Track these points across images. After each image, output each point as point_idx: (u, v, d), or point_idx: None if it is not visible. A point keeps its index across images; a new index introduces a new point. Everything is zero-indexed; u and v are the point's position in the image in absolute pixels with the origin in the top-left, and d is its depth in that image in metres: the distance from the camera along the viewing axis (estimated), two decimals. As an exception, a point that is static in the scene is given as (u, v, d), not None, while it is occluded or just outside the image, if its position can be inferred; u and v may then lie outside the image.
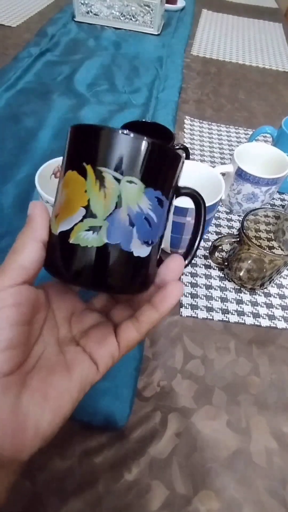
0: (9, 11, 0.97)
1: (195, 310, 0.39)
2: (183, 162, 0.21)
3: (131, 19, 0.94)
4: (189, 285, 0.41)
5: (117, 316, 0.23)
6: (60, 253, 0.19)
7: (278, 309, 0.40)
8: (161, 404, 0.32)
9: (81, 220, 0.18)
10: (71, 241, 0.18)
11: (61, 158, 0.35)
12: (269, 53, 0.97)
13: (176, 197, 0.22)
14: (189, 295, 0.40)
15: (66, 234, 0.19)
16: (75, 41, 0.87)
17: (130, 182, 0.18)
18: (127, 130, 0.18)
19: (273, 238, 0.48)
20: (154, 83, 0.76)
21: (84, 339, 0.21)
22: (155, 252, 0.21)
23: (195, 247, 0.25)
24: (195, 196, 0.23)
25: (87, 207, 0.18)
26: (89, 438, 0.29)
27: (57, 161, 0.36)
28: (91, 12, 0.94)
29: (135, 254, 0.19)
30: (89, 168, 0.18)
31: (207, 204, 0.35)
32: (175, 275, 0.22)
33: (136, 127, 0.46)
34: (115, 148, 0.18)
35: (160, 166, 0.19)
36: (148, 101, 0.70)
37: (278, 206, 0.53)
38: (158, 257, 0.22)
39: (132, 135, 0.18)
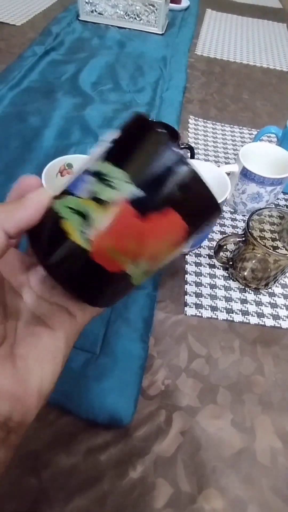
0: (13, 10, 0.97)
1: (199, 309, 0.39)
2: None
3: (135, 18, 0.95)
4: (194, 284, 0.41)
5: None
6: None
7: (283, 309, 0.40)
8: (165, 403, 0.32)
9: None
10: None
11: (66, 156, 0.35)
12: (273, 53, 0.97)
13: None
14: (194, 294, 0.40)
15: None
16: (80, 40, 0.87)
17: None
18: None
19: (277, 238, 0.48)
20: (159, 82, 0.76)
21: (55, 296, 0.20)
22: None
23: None
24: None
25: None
26: (94, 436, 0.29)
27: (63, 160, 0.36)
28: (95, 11, 0.94)
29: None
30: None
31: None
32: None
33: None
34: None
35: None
36: (152, 100, 0.70)
37: (282, 206, 0.53)
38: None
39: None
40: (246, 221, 0.38)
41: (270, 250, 0.36)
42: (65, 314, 0.20)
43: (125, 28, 0.95)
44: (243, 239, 0.38)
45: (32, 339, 0.19)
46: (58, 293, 0.21)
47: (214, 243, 0.46)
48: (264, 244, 0.48)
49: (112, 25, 0.95)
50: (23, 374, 0.17)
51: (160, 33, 0.95)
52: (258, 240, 0.46)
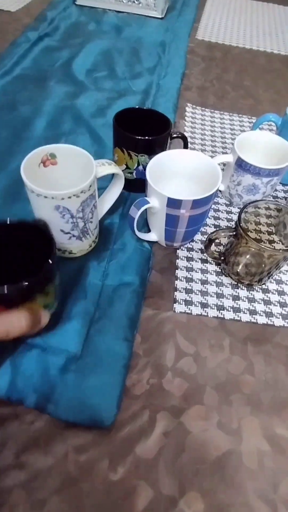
0: (8, -5, 0.94)
1: (189, 306, 0.38)
2: None
3: (134, 1, 0.91)
4: (184, 279, 0.40)
5: None
6: None
7: (276, 306, 0.39)
8: (150, 403, 0.31)
9: None
10: None
11: (48, 146, 0.33)
12: (278, 37, 0.93)
13: None
14: (184, 290, 0.39)
15: None
16: (75, 25, 0.84)
17: None
18: None
19: (274, 231, 0.46)
20: (156, 69, 0.73)
21: None
22: None
23: None
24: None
25: None
26: (75, 436, 0.29)
27: (45, 150, 0.34)
28: (92, -6, 0.91)
29: None
30: None
31: (201, 196, 0.34)
32: None
33: (131, 114, 0.44)
34: None
35: None
36: (148, 87, 0.67)
37: (281, 198, 0.51)
38: None
39: None
40: (238, 214, 0.36)
41: (263, 245, 0.34)
42: None
43: (123, 12, 0.92)
44: (235, 233, 0.36)
45: None
46: None
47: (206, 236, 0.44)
48: (259, 237, 0.46)
49: (109, 9, 0.92)
50: None
51: (160, 17, 0.92)
52: (253, 233, 0.45)
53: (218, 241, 0.45)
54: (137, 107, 0.44)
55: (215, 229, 0.46)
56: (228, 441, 0.30)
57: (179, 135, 0.45)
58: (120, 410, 0.30)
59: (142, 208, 0.35)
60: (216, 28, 0.93)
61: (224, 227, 0.47)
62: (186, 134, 0.59)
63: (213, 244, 0.44)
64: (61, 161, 0.36)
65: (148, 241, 0.41)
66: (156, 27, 0.88)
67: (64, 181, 0.35)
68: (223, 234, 0.37)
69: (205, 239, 0.44)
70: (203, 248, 0.43)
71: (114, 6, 0.92)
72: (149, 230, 0.42)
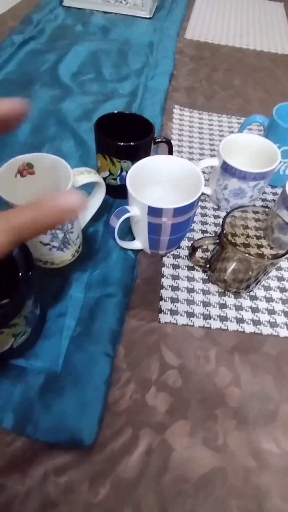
0: (-6, -3, 0.92)
1: (174, 316, 0.37)
2: None
3: (121, 1, 0.90)
4: (170, 288, 0.39)
5: None
6: None
7: (264, 313, 0.38)
8: (132, 419, 0.30)
9: None
10: None
11: (25, 155, 0.32)
12: (268, 35, 0.92)
13: None
14: (169, 300, 0.38)
15: None
16: (62, 28, 0.83)
17: None
18: None
19: (262, 235, 0.45)
20: (144, 70, 0.72)
21: None
22: None
23: None
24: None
25: None
26: (54, 457, 0.28)
27: (21, 159, 0.33)
28: (79, -5, 0.90)
29: None
30: None
31: (181, 204, 0.33)
32: None
33: (114, 119, 0.43)
34: None
35: None
36: (136, 89, 0.66)
37: (270, 201, 0.50)
38: None
39: None
40: (222, 221, 0.35)
41: (247, 253, 0.33)
42: None
43: (111, 13, 0.90)
44: (218, 241, 0.35)
45: None
46: None
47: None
48: (247, 242, 0.45)
49: (97, 10, 0.91)
50: None
51: (148, 16, 0.90)
52: (240, 238, 0.44)
53: (205, 247, 0.44)
54: (117, 111, 0.43)
55: (201, 236, 0.45)
56: (213, 458, 0.29)
57: (163, 140, 0.44)
58: (101, 428, 0.29)
59: (122, 218, 0.34)
60: (206, 27, 0.92)
61: (212, 232, 0.46)
62: (174, 137, 0.58)
63: (200, 250, 0.44)
64: (38, 170, 0.35)
65: (132, 250, 0.40)
66: (144, 27, 0.87)
67: (42, 191, 0.34)
68: (207, 242, 0.36)
69: (189, 247, 0.43)
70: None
71: (101, 7, 0.91)
72: (133, 238, 0.41)
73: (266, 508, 0.27)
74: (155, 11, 0.93)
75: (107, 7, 0.91)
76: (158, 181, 0.40)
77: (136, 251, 0.41)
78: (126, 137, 0.40)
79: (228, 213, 0.35)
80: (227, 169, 0.42)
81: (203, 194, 0.49)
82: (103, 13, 0.90)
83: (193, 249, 0.36)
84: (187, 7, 0.98)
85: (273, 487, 0.28)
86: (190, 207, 0.34)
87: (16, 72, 0.66)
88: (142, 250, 0.41)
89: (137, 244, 0.40)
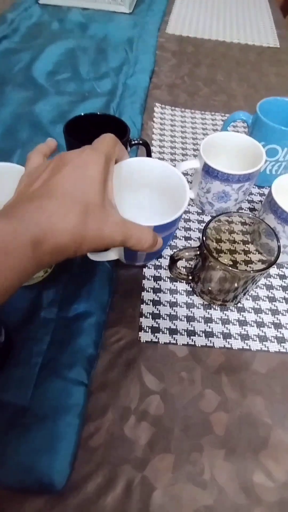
0: None
1: (156, 334, 0.34)
2: None
3: (99, -3, 0.86)
4: (151, 303, 0.36)
5: None
6: None
7: (253, 326, 0.35)
8: (109, 455, 0.27)
9: None
10: None
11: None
12: (252, 27, 0.89)
13: None
14: (150, 316, 0.35)
15: None
16: (37, 25, 0.79)
17: None
18: None
19: (249, 240, 0.42)
20: (123, 67, 0.68)
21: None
22: None
23: None
24: None
25: None
26: (22, 505, 0.25)
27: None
28: (55, -9, 0.86)
29: None
30: None
31: (164, 222, 0.29)
32: None
33: (86, 121, 0.40)
34: None
35: None
36: (114, 88, 0.63)
37: (257, 202, 0.48)
38: None
39: None
40: (202, 231, 0.32)
41: (229, 267, 0.30)
42: None
43: (89, 9, 0.87)
44: (198, 252, 0.32)
45: None
46: None
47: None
48: (234, 248, 0.42)
49: (74, 7, 0.87)
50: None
51: (128, 12, 0.87)
52: (225, 243, 0.41)
53: (187, 258, 0.41)
54: (88, 113, 0.40)
55: (183, 244, 0.42)
56: (199, 496, 0.26)
57: (140, 142, 0.41)
58: (74, 468, 0.26)
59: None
60: (188, 21, 0.88)
61: (196, 239, 0.43)
62: (155, 137, 0.55)
63: (184, 259, 0.41)
64: (4, 182, 0.32)
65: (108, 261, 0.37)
66: (123, 23, 0.83)
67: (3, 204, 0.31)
68: (187, 254, 0.33)
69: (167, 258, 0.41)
70: (172, 265, 0.39)
71: (79, 3, 0.87)
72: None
73: None
74: (135, 6, 0.89)
75: (85, 2, 0.87)
76: (137, 186, 0.37)
77: (113, 262, 0.38)
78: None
79: (209, 221, 0.32)
80: (209, 171, 0.39)
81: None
82: (81, 9, 0.87)
83: (172, 261, 0.34)
84: (168, 0, 0.95)
85: (266, 527, 0.25)
86: (173, 223, 0.31)
87: (-13, 73, 0.63)
88: (118, 260, 0.38)
89: (111, 255, 0.36)
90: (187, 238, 0.42)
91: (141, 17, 0.86)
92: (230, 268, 0.30)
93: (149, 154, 0.43)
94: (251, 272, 0.30)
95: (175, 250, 0.33)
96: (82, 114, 0.40)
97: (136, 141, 0.41)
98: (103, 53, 0.72)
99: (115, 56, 0.72)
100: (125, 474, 0.26)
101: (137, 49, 0.74)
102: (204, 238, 0.31)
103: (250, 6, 0.98)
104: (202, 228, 0.44)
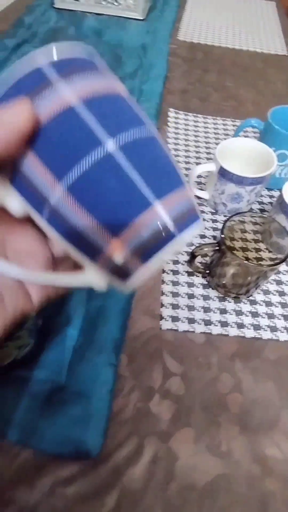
0: (-16, 0, 0.92)
1: (175, 323, 0.37)
2: None
3: (113, 3, 0.89)
4: (170, 295, 0.39)
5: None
6: None
7: (264, 317, 0.38)
8: (137, 428, 0.30)
9: None
10: None
11: None
12: (260, 35, 0.92)
13: None
14: (170, 306, 0.38)
15: None
16: (55, 30, 0.82)
17: None
18: None
19: (260, 239, 0.45)
20: (138, 73, 0.72)
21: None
22: None
23: None
24: None
25: None
26: (60, 468, 0.28)
27: None
28: (70, -3, 0.89)
29: None
30: None
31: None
32: None
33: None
34: None
35: None
36: (130, 93, 0.66)
37: (266, 204, 0.51)
38: None
39: None
40: (221, 229, 0.35)
41: (245, 260, 0.33)
42: (19, 289, 0.18)
43: (103, 14, 0.90)
44: (218, 248, 0.35)
45: None
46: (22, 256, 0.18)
47: (193, 248, 0.43)
48: (246, 246, 0.46)
49: (89, 12, 0.90)
50: None
51: (141, 18, 0.90)
52: (238, 242, 0.44)
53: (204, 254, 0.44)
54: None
55: (199, 241, 0.45)
56: (217, 465, 0.29)
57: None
58: (106, 438, 0.29)
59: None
60: (198, 28, 0.91)
61: (210, 236, 0.46)
62: (170, 141, 0.58)
63: (199, 256, 0.44)
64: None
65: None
66: (136, 29, 0.86)
67: None
68: (206, 249, 0.36)
69: (190, 250, 0.44)
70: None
71: (93, 9, 0.90)
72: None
73: (271, 513, 0.27)
74: (148, 12, 0.92)
75: (99, 8, 0.90)
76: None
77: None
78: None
79: (227, 219, 0.36)
80: (224, 174, 0.42)
81: (200, 198, 0.49)
82: (95, 15, 0.90)
83: (192, 257, 0.37)
84: (179, 7, 0.98)
85: (277, 493, 0.28)
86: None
87: (9, 77, 0.66)
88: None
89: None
90: (202, 236, 0.46)
91: (154, 24, 0.89)
92: (247, 262, 0.33)
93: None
94: (265, 266, 0.33)
95: (194, 247, 0.37)
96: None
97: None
98: (118, 58, 0.76)
99: (130, 62, 0.75)
100: (151, 445, 0.29)
101: (151, 55, 0.77)
102: (223, 235, 0.34)
103: (259, 14, 1.01)
104: (215, 227, 0.47)
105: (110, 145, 0.15)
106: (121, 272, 0.16)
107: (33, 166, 0.15)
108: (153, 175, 0.16)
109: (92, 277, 0.17)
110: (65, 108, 0.15)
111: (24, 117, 0.14)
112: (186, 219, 0.16)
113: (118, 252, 0.15)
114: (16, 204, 0.16)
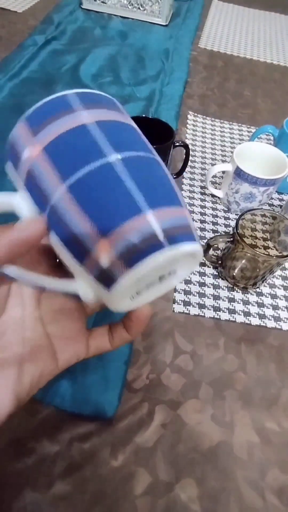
0: (16, -4, 0.95)
1: (187, 307, 0.40)
2: None
3: (139, 8, 0.93)
4: (183, 281, 0.42)
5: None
6: None
7: (269, 308, 0.41)
8: (149, 396, 0.33)
9: None
10: None
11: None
12: (278, 47, 0.95)
13: None
14: (182, 292, 0.41)
15: None
16: (82, 30, 0.86)
17: None
18: None
19: (269, 238, 0.49)
20: (160, 76, 0.75)
21: (53, 326, 0.20)
22: None
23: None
24: None
25: None
26: (78, 426, 0.31)
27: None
28: (98, -1, 0.93)
29: None
30: None
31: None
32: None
33: (137, 122, 0.46)
34: None
35: None
36: (152, 94, 0.69)
37: (276, 206, 0.54)
38: None
39: None
40: (235, 222, 0.38)
41: (257, 251, 0.36)
42: (48, 353, 0.20)
43: (128, 18, 0.94)
44: (232, 239, 0.38)
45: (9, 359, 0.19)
46: (59, 324, 0.20)
47: (205, 241, 0.46)
48: (255, 243, 0.49)
49: (115, 15, 0.94)
50: None
51: (164, 24, 0.94)
52: (249, 239, 0.47)
53: (216, 245, 0.47)
54: (143, 116, 0.46)
55: (213, 235, 0.48)
56: (220, 433, 0.32)
57: (182, 144, 0.47)
58: (121, 402, 0.32)
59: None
60: (219, 37, 0.95)
61: (222, 232, 0.49)
62: (188, 142, 0.62)
63: (211, 249, 0.47)
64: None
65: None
66: (160, 34, 0.90)
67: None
68: (221, 239, 0.39)
69: (203, 243, 0.47)
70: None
71: (119, 12, 0.94)
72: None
73: (267, 478, 0.30)
74: (171, 19, 0.96)
75: (125, 12, 0.94)
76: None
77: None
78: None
79: (242, 213, 0.39)
80: (240, 174, 0.45)
81: (214, 196, 0.53)
82: (121, 17, 0.93)
83: (208, 247, 0.40)
84: (201, 16, 1.02)
85: (274, 460, 0.31)
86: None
87: (39, 71, 0.69)
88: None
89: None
90: (214, 231, 0.49)
91: (176, 30, 0.92)
92: (258, 252, 0.36)
93: (187, 155, 0.49)
94: (274, 257, 0.36)
95: (210, 238, 0.40)
96: (143, 116, 0.46)
97: (178, 143, 0.47)
98: (142, 61, 0.79)
99: (153, 65, 0.78)
100: (162, 411, 0.32)
101: (173, 59, 0.81)
102: (237, 226, 0.37)
103: (277, 26, 1.05)
104: (227, 224, 0.50)
105: (113, 156, 0.17)
106: (106, 277, 0.17)
107: (43, 168, 0.17)
108: (149, 188, 0.17)
109: (80, 286, 0.18)
110: (79, 124, 0.17)
111: (37, 235, 0.17)
112: (178, 234, 0.17)
113: (104, 253, 0.16)
114: (25, 207, 0.18)
